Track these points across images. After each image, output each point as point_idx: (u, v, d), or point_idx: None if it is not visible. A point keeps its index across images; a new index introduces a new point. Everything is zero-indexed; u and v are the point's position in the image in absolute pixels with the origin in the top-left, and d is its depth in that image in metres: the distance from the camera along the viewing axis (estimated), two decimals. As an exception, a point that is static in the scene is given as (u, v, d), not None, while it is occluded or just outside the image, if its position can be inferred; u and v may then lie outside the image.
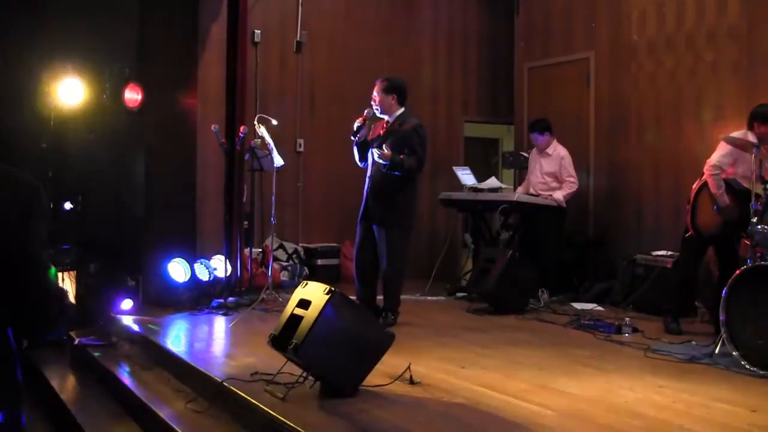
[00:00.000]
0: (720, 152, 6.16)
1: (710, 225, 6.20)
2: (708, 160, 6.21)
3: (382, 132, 6.59)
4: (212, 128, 7.58)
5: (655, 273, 7.38)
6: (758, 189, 5.69)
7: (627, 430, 3.90)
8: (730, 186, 6.16)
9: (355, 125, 6.55)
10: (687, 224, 6.37)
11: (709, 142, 6.63)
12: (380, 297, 6.72)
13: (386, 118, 6.62)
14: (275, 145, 7.64)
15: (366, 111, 6.58)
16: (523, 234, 8.43)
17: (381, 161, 6.37)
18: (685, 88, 8.06)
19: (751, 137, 6.01)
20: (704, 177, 6.23)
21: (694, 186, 6.37)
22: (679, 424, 3.97)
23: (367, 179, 6.61)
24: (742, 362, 5.02)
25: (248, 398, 4.33)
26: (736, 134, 6.11)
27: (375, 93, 6.60)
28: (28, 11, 7.96)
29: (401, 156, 6.38)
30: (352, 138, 6.61)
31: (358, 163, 6.74)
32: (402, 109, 6.62)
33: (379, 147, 6.44)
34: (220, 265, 7.67)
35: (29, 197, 2.01)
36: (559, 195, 8.17)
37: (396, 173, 6.41)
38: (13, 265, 1.96)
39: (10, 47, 8.06)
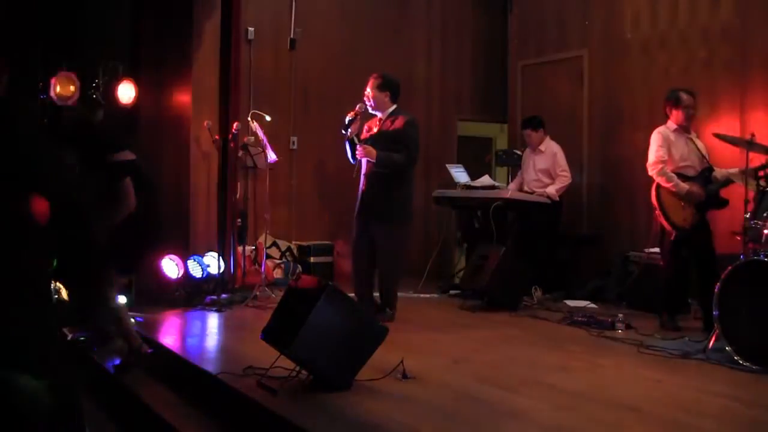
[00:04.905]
0: (653, 148, 6.45)
1: (687, 218, 6.27)
2: (648, 164, 6.43)
3: (375, 130, 6.57)
4: (205, 125, 7.60)
5: (648, 270, 7.38)
6: (721, 172, 6.20)
7: (621, 424, 3.90)
8: (679, 174, 6.34)
9: (347, 118, 6.53)
10: (665, 228, 6.38)
11: (702, 139, 6.65)
12: (375, 294, 6.73)
13: (379, 114, 6.61)
14: (268, 142, 7.63)
15: (358, 106, 6.57)
16: (517, 231, 8.43)
17: (369, 159, 6.37)
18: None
19: (672, 124, 6.43)
20: (655, 180, 6.37)
21: (652, 192, 6.42)
22: (673, 418, 3.98)
23: (362, 177, 6.59)
24: (736, 357, 5.02)
25: (241, 392, 4.32)
26: (660, 129, 6.48)
27: (368, 89, 6.58)
28: (22, 7, 7.93)
29: (389, 153, 6.38)
30: (343, 132, 6.59)
31: (351, 160, 6.72)
32: (394, 106, 6.62)
33: (373, 145, 6.44)
34: (213, 262, 7.66)
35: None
36: (551, 189, 8.20)
37: (385, 169, 6.40)
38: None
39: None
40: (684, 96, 6.44)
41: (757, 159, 5.74)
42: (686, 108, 6.41)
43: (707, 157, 6.44)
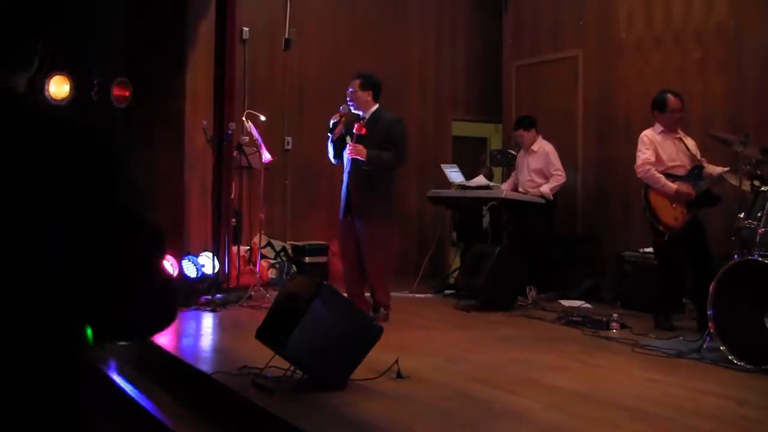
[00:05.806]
0: (639, 150, 6.48)
1: (678, 217, 6.27)
2: (635, 166, 6.46)
3: (363, 131, 6.53)
4: (202, 123, 7.58)
5: (642, 269, 7.39)
6: (712, 169, 6.20)
7: (616, 423, 3.90)
8: (669, 175, 6.36)
9: (331, 122, 6.54)
10: (657, 229, 6.38)
11: (696, 139, 6.66)
12: (367, 294, 6.73)
13: (362, 114, 6.59)
14: (263, 142, 7.62)
15: (341, 107, 6.57)
16: (512, 231, 8.44)
17: (359, 158, 6.36)
18: (673, 86, 8.05)
19: (659, 127, 6.47)
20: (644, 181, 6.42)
21: (642, 194, 6.45)
22: (668, 417, 3.98)
23: (345, 176, 6.59)
24: (730, 357, 5.02)
25: (236, 392, 4.31)
26: (646, 132, 6.53)
27: (350, 89, 6.58)
28: (16, 6, 7.90)
29: (379, 152, 6.37)
30: (329, 134, 6.59)
31: (332, 160, 6.71)
32: (377, 105, 6.60)
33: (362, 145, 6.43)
34: (207, 262, 7.64)
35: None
36: (545, 188, 8.21)
37: (375, 169, 6.40)
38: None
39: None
40: (671, 99, 6.45)
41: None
42: (672, 112, 6.43)
43: (697, 155, 6.45)
